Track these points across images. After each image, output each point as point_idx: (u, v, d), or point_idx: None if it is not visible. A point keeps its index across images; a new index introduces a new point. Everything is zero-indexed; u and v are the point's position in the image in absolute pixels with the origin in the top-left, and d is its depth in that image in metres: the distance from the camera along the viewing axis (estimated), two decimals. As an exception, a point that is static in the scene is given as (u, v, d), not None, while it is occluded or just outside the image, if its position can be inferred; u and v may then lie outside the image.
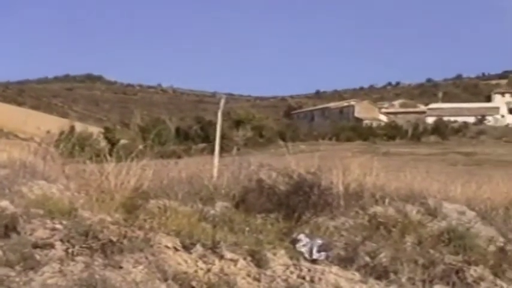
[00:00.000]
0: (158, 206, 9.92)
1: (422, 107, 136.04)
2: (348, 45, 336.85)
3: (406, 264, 9.21)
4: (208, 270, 7.97)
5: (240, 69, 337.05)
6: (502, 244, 11.19)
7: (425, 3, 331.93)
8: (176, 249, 8.26)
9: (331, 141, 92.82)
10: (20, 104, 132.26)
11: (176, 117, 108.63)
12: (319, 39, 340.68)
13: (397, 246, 10.03)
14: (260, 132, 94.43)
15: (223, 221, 9.87)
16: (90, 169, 11.41)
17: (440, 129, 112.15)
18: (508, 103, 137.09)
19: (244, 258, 8.39)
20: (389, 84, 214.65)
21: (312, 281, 8.23)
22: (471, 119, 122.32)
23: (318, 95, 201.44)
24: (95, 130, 63.66)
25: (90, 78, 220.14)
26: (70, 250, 7.73)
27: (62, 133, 21.98)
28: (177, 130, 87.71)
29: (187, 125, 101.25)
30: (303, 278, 8.28)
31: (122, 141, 57.99)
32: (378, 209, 11.71)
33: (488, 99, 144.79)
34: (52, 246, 7.80)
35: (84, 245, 7.83)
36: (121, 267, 7.54)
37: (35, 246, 7.75)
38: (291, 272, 8.38)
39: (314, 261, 8.97)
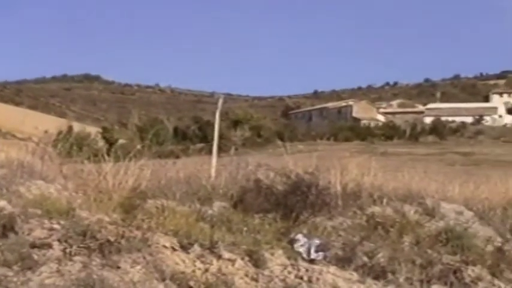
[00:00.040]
0: (156, 206, 9.91)
1: (420, 107, 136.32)
2: (346, 45, 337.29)
3: (404, 264, 9.21)
4: (206, 270, 7.97)
5: (238, 69, 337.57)
6: (499, 244, 11.20)
7: (423, 3, 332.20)
8: (174, 249, 8.25)
9: (329, 141, 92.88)
10: (17, 104, 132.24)
11: (174, 117, 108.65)
12: (317, 39, 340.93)
13: (395, 246, 10.03)
14: (258, 132, 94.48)
15: (221, 221, 9.86)
16: (88, 169, 11.40)
17: (438, 129, 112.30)
18: (506, 103, 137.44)
19: (242, 258, 8.38)
20: (388, 84, 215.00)
21: (309, 281, 8.22)
22: (469, 119, 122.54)
23: (316, 95, 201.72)
24: (93, 130, 63.78)
25: (88, 78, 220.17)
26: (68, 250, 7.73)
27: (59, 133, 22.02)
28: (175, 130, 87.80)
29: (185, 125, 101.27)
30: (301, 278, 8.28)
31: (120, 141, 57.89)
32: (376, 209, 11.71)
33: (486, 99, 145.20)
34: (50, 246, 7.79)
35: (82, 245, 7.83)
36: (119, 267, 7.53)
37: (33, 246, 7.75)
38: (289, 272, 8.38)
39: (312, 261, 8.97)
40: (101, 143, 52.48)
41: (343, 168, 12.59)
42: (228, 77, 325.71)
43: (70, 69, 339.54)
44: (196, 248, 8.39)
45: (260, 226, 9.97)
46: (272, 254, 8.70)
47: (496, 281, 9.45)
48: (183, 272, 7.76)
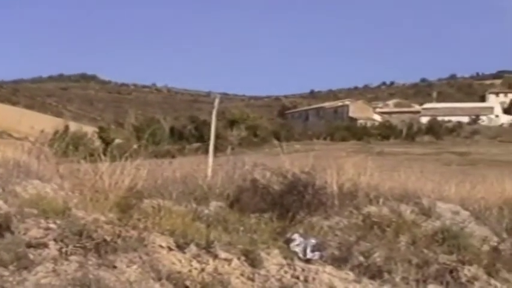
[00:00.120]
0: (152, 205, 9.91)
1: (416, 107, 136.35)
2: (343, 45, 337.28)
3: (400, 264, 9.22)
4: (202, 269, 7.97)
5: (234, 68, 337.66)
6: (495, 244, 11.21)
7: (420, 3, 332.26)
8: (170, 249, 8.25)
9: (325, 141, 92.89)
10: (14, 104, 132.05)
11: (170, 116, 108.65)
12: (314, 39, 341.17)
13: (391, 245, 10.03)
14: (254, 132, 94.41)
15: (217, 220, 9.86)
16: (84, 169, 11.39)
17: (435, 129, 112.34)
18: (502, 103, 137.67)
19: (238, 258, 8.38)
20: (384, 84, 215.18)
21: (305, 280, 8.23)
22: (465, 119, 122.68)
23: (313, 95, 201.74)
24: (89, 129, 63.61)
25: (85, 78, 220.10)
26: (64, 250, 7.72)
27: (56, 132, 21.94)
28: (172, 130, 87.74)
29: (181, 125, 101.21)
30: (297, 277, 8.28)
31: (116, 141, 57.92)
32: (372, 208, 11.72)
33: (483, 99, 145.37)
34: (46, 245, 7.79)
35: (78, 245, 7.82)
36: (115, 267, 7.53)
37: (29, 245, 7.74)
38: (285, 272, 8.38)
39: (308, 261, 8.97)
40: (98, 143, 52.45)
41: (340, 168, 12.59)
42: (224, 76, 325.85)
43: (66, 68, 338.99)
44: (193, 248, 8.39)
45: (256, 226, 9.97)
46: (268, 254, 8.71)
47: (492, 281, 9.46)
48: (179, 272, 7.76)
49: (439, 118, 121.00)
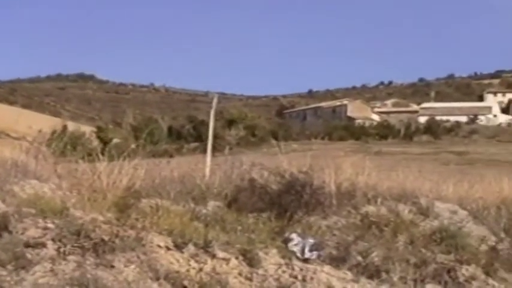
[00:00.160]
0: (150, 205, 9.90)
1: (414, 107, 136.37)
2: (341, 44, 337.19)
3: (398, 264, 9.22)
4: (200, 269, 7.97)
5: (232, 68, 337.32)
6: (493, 243, 11.22)
7: (418, 3, 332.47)
8: (168, 249, 8.25)
9: (323, 141, 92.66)
10: (11, 103, 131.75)
11: (168, 116, 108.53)
12: (312, 39, 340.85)
13: (389, 245, 10.04)
14: (252, 132, 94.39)
15: (215, 220, 9.86)
16: (82, 168, 11.38)
17: (433, 129, 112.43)
18: (500, 102, 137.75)
19: (236, 258, 8.38)
20: (382, 83, 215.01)
21: (303, 280, 8.23)
22: (463, 119, 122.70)
23: (311, 94, 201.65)
24: (87, 129, 63.62)
25: (82, 78, 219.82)
26: (62, 249, 7.72)
27: (54, 132, 21.93)
28: (170, 129, 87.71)
29: (179, 124, 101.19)
30: (295, 277, 8.28)
31: (114, 141, 57.87)
32: (370, 208, 11.73)
33: (481, 98, 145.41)
34: (44, 245, 7.78)
35: (75, 244, 7.82)
36: (113, 267, 7.53)
37: (27, 245, 7.74)
38: (283, 271, 8.38)
39: (306, 261, 8.97)
40: (95, 142, 52.42)
41: (338, 167, 12.60)
42: (222, 76, 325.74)
43: (64, 68, 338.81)
44: (191, 247, 8.38)
45: (254, 225, 9.97)
46: (266, 253, 8.71)
47: (490, 280, 9.47)
48: (177, 271, 7.76)
49: (437, 118, 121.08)
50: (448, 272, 9.35)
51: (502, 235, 11.92)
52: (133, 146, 12.92)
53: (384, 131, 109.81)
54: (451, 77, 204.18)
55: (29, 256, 7.50)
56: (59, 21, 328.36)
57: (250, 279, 8.03)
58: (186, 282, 7.57)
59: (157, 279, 7.50)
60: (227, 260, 8.26)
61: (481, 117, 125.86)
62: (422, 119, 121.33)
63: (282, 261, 8.65)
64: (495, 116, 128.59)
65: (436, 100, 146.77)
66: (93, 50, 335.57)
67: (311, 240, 9.44)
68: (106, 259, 7.65)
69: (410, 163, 23.76)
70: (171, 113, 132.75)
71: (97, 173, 10.69)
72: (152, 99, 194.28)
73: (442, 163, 45.16)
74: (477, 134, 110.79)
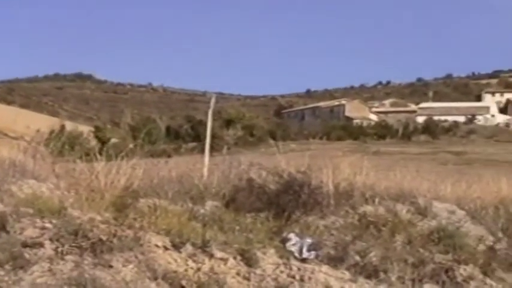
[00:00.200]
0: (148, 205, 9.90)
1: (412, 106, 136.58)
2: (339, 45, 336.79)
3: (396, 263, 9.22)
4: (198, 269, 7.97)
5: (230, 68, 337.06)
6: (491, 243, 11.23)
7: (416, 3, 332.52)
8: (166, 248, 8.25)
9: (321, 141, 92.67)
10: (9, 103, 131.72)
11: (166, 116, 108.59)
12: (310, 39, 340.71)
13: (387, 245, 10.04)
14: (250, 131, 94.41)
15: (213, 220, 9.86)
16: (80, 168, 11.38)
17: (431, 129, 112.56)
18: (498, 102, 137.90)
19: (234, 257, 8.38)
20: (380, 83, 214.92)
21: (301, 280, 8.23)
22: (461, 119, 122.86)
23: (309, 94, 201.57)
24: (85, 129, 63.73)
25: (81, 77, 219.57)
26: (59, 249, 7.71)
27: (52, 132, 21.94)
28: (168, 129, 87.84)
29: (177, 124, 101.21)
30: (293, 277, 8.28)
31: (112, 140, 57.91)
32: (368, 208, 11.72)
33: (479, 98, 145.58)
34: (41, 245, 7.78)
35: (73, 244, 7.82)
36: (111, 266, 7.53)
37: (25, 245, 7.73)
38: (281, 271, 8.38)
39: (304, 260, 8.97)
40: (93, 142, 52.46)
41: (336, 167, 12.59)
42: (220, 76, 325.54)
43: (62, 68, 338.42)
44: (189, 247, 8.38)
45: (252, 225, 9.97)
46: (264, 253, 8.71)
47: (488, 280, 9.48)
48: (175, 271, 7.76)
49: (435, 118, 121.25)
50: (446, 271, 9.35)
51: (500, 235, 11.92)
52: (131, 145, 12.95)
53: (382, 131, 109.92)
54: (449, 76, 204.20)
55: (26, 256, 7.49)
56: (57, 21, 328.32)
57: (248, 279, 8.03)
58: (184, 282, 7.57)
59: (155, 279, 7.50)
60: (225, 260, 8.26)
61: (479, 117, 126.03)
62: (420, 119, 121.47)
63: (280, 261, 8.65)
64: (493, 116, 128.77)
65: (434, 100, 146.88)
66: (91, 50, 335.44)
67: (309, 240, 9.44)
68: (104, 259, 7.65)
69: (408, 163, 23.75)
70: (169, 112, 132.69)
71: (95, 172, 10.68)
72: (150, 99, 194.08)
73: (440, 163, 45.20)
74: (475, 134, 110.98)
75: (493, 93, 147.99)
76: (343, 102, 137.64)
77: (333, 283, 8.32)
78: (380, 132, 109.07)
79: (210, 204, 10.80)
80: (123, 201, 10.08)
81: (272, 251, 8.89)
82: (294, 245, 9.33)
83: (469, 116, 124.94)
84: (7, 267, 7.22)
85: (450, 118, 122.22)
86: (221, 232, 9.30)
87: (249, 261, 8.40)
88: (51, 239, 7.88)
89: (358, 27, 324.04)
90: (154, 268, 7.67)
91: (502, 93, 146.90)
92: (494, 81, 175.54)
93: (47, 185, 10.64)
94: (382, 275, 8.89)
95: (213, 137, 15.99)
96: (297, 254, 9.15)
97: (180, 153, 54.94)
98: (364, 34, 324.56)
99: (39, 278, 7.10)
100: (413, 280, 8.96)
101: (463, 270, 9.43)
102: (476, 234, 11.47)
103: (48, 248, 7.73)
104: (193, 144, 72.37)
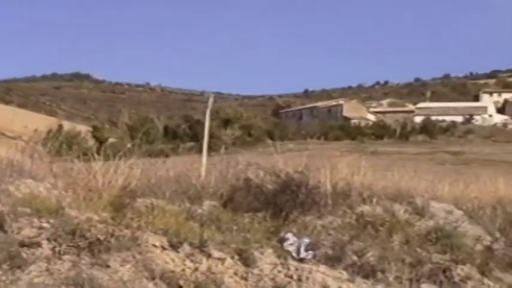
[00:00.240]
0: (146, 204, 9.90)
1: (410, 106, 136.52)
2: (337, 44, 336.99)
3: (394, 263, 9.23)
4: (196, 269, 7.97)
5: (228, 68, 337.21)
6: (489, 243, 11.24)
7: (414, 3, 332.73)
8: (163, 248, 8.25)
9: (319, 140, 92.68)
10: (7, 103, 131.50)
11: (164, 116, 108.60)
12: (308, 39, 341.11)
13: (385, 245, 10.05)
14: (248, 131, 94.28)
15: (210, 219, 9.86)
16: (77, 168, 11.37)
17: (429, 129, 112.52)
18: (495, 102, 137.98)
19: (232, 257, 8.38)
20: (378, 83, 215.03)
21: (299, 279, 8.23)
22: (459, 119, 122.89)
23: (307, 94, 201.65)
24: (83, 129, 63.60)
25: (78, 77, 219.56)
26: (57, 249, 7.71)
27: (49, 131, 21.90)
28: (165, 129, 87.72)
29: (175, 124, 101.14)
30: (291, 276, 8.28)
31: (110, 140, 57.88)
32: (366, 208, 11.73)
33: (476, 98, 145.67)
34: (39, 245, 7.77)
35: (71, 244, 7.81)
36: (108, 266, 7.52)
37: (22, 244, 7.73)
38: (279, 271, 8.38)
39: (301, 260, 8.97)
40: (91, 142, 52.36)
41: (333, 167, 12.59)
42: (218, 76, 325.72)
43: (60, 68, 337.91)
44: (186, 247, 8.38)
45: (250, 225, 9.97)
46: (262, 253, 8.70)
47: (485, 280, 9.49)
48: (172, 271, 7.76)
49: (433, 118, 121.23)
50: (444, 271, 9.36)
51: (497, 235, 11.93)
52: (129, 145, 12.96)
53: (380, 131, 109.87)
54: (446, 76, 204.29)
55: (24, 255, 7.49)
56: (55, 20, 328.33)
57: (246, 279, 8.03)
58: (181, 282, 7.57)
59: (153, 278, 7.50)
60: (222, 260, 8.26)
61: (477, 117, 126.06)
62: (418, 119, 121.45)
63: (278, 261, 8.65)
64: (491, 116, 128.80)
65: (432, 100, 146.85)
66: (89, 50, 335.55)
67: (306, 240, 9.44)
68: (101, 259, 7.64)
69: (406, 163, 23.77)
70: (166, 112, 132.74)
71: (92, 172, 10.68)
72: (148, 99, 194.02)
73: (437, 163, 45.27)
74: (473, 134, 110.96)
75: (490, 93, 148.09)
76: (341, 102, 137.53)
77: (330, 283, 8.32)
78: (378, 132, 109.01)
79: (207, 204, 10.80)
80: (121, 201, 10.07)
81: (270, 250, 8.89)
82: (291, 244, 9.33)
83: (467, 116, 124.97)
84: (4, 266, 7.21)
85: (448, 118, 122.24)
86: (219, 232, 9.30)
87: (247, 261, 8.40)
88: (48, 239, 7.88)
89: (356, 28, 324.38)
90: (151, 268, 7.67)
91: (499, 93, 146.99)
92: (492, 81, 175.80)
93: (45, 184, 10.62)
94: (379, 275, 8.90)
95: (210, 136, 15.97)
96: (294, 254, 9.15)
97: (177, 153, 54.83)
98: (362, 34, 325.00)
99: (37, 277, 7.09)
100: (410, 280, 8.97)
101: (460, 270, 9.44)
102: (473, 234, 11.48)
103: (46, 248, 7.72)
104: (191, 144, 72.24)
